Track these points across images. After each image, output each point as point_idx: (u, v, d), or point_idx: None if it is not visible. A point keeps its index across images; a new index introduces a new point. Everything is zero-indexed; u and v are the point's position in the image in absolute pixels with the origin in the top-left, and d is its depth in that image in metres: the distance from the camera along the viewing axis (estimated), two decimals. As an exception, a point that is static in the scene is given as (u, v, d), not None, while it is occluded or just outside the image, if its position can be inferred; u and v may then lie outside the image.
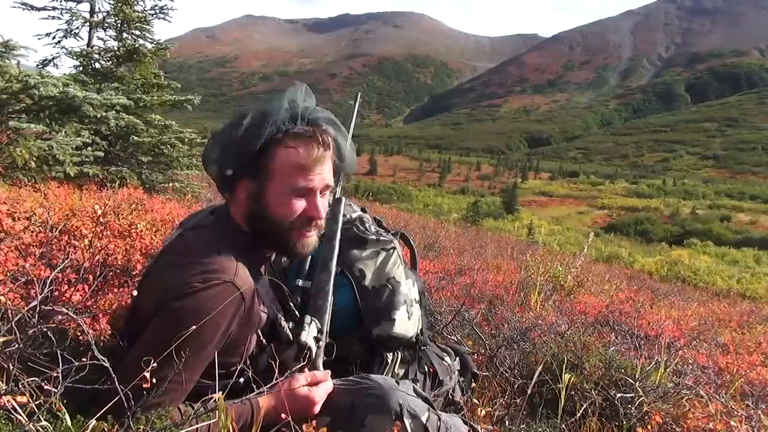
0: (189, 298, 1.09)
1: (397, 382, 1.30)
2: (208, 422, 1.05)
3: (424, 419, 1.23)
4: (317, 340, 1.33)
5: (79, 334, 1.23)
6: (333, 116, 1.34)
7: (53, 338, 1.06)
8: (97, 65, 8.38)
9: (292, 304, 1.39)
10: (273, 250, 1.33)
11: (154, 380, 0.96)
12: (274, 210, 1.23)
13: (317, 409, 1.21)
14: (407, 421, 1.19)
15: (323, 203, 1.29)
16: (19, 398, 0.89)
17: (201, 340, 1.08)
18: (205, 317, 1.08)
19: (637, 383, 2.11)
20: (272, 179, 1.23)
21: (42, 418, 0.89)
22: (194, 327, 1.06)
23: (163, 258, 1.24)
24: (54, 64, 8.71)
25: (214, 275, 1.12)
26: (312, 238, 1.30)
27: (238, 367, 1.17)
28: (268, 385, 1.19)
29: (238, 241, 1.24)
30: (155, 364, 0.97)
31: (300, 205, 1.24)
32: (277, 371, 1.16)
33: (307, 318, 1.35)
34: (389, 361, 1.77)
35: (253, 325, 1.23)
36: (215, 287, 1.11)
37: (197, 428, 1.04)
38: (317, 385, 1.23)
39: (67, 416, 0.94)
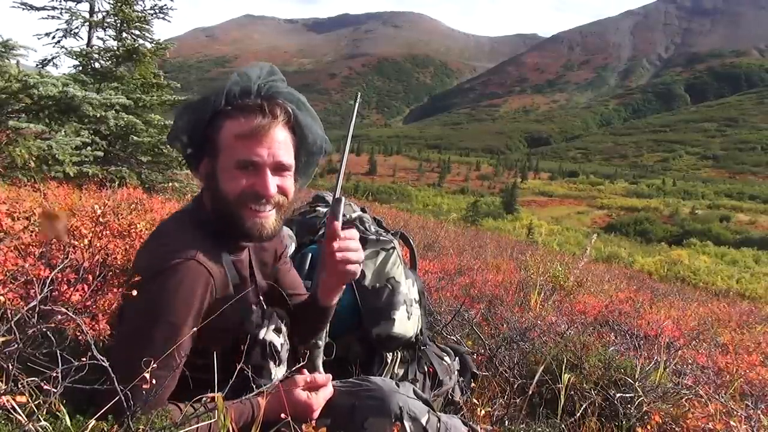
0: (153, 281, 1.08)
1: (397, 384, 1.29)
2: (209, 422, 1.04)
3: (424, 421, 1.23)
4: (278, 331, 1.28)
5: (78, 334, 1.22)
6: (299, 95, 1.28)
7: (53, 338, 1.06)
8: (97, 65, 8.37)
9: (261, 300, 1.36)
10: (232, 233, 1.24)
11: (138, 373, 0.96)
12: (222, 186, 1.19)
13: (316, 414, 1.20)
14: (407, 424, 1.19)
15: (277, 182, 1.21)
16: (18, 398, 0.89)
17: (173, 321, 1.07)
18: (171, 296, 1.07)
19: (637, 383, 2.11)
20: (220, 153, 1.20)
21: (41, 418, 0.89)
22: (163, 307, 1.05)
23: (138, 254, 1.24)
24: (53, 63, 8.71)
25: (175, 254, 1.11)
26: (269, 219, 1.22)
27: (238, 367, 1.16)
28: (268, 385, 1.18)
29: (205, 224, 1.22)
30: (134, 355, 0.97)
31: (245, 180, 1.18)
32: (251, 372, 1.14)
33: (268, 311, 1.29)
34: (389, 360, 1.78)
35: (229, 313, 1.22)
36: (178, 266, 1.10)
37: (197, 427, 1.04)
38: (317, 391, 1.22)
39: (66, 416, 0.94)
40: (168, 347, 1.04)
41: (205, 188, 1.25)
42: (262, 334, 1.24)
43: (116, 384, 0.96)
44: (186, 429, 1.01)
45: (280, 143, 1.20)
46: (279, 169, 1.21)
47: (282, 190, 1.23)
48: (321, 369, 1.54)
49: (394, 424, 1.18)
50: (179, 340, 1.08)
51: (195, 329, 1.12)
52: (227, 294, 1.19)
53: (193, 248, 1.14)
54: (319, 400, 1.21)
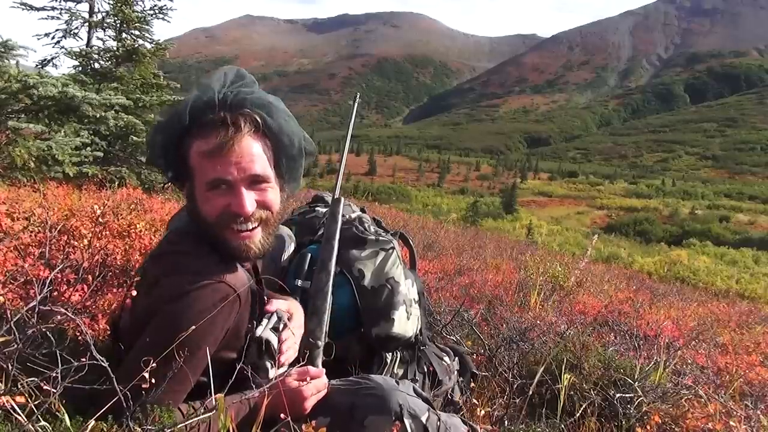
0: (181, 301, 1.08)
1: (397, 383, 1.29)
2: (208, 421, 1.05)
3: (424, 419, 1.23)
4: (275, 330, 1.25)
5: (78, 334, 1.23)
6: (269, 97, 1.19)
7: (52, 338, 1.06)
8: (97, 65, 8.39)
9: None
10: (222, 254, 1.18)
11: (153, 383, 0.96)
12: (201, 209, 1.14)
13: (309, 404, 1.20)
14: (407, 422, 1.19)
15: (255, 197, 1.15)
16: (18, 398, 0.89)
17: (197, 341, 1.06)
18: (198, 318, 1.06)
19: (636, 383, 2.11)
20: (194, 176, 1.14)
21: (41, 419, 0.89)
22: (189, 329, 1.04)
23: (154, 263, 1.21)
24: (53, 64, 8.72)
25: (204, 276, 1.10)
26: (254, 237, 1.17)
27: (238, 367, 1.17)
28: (268, 384, 1.19)
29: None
30: (154, 366, 0.96)
31: (220, 200, 1.12)
32: (248, 371, 1.14)
33: (267, 311, 1.28)
34: (388, 361, 1.78)
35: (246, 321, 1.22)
36: (206, 287, 1.09)
37: (198, 426, 1.04)
38: (310, 381, 1.22)
39: (66, 416, 0.94)
40: (187, 366, 1.04)
41: (190, 209, 1.20)
42: (259, 331, 1.21)
43: (115, 385, 0.96)
44: (185, 427, 1.02)
45: (252, 155, 1.13)
46: (254, 182, 1.14)
47: (263, 205, 1.16)
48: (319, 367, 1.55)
49: (394, 422, 1.17)
50: (199, 358, 1.08)
51: (215, 347, 1.12)
52: (246, 306, 1.19)
53: (219, 268, 1.12)
54: (310, 388, 1.20)
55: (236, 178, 1.11)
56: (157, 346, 1.04)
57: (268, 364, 1.23)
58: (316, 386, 1.22)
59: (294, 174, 1.26)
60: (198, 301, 1.08)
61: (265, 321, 1.25)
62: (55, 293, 1.34)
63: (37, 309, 1.06)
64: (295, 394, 1.18)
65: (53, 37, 8.64)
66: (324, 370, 1.28)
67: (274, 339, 1.24)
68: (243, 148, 1.11)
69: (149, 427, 0.98)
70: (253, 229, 1.16)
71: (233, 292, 1.12)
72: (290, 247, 1.84)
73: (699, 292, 10.70)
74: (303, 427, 1.03)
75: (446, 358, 1.96)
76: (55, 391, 0.91)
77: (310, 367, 1.25)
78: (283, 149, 1.20)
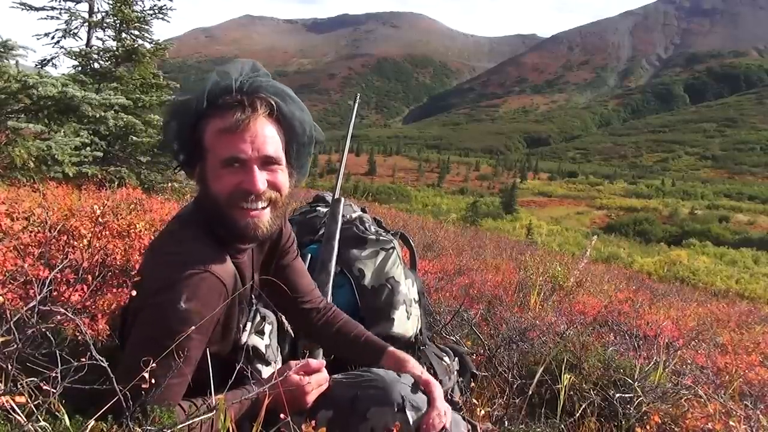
0: (167, 292, 1.07)
1: (398, 375, 1.29)
2: (209, 421, 1.05)
3: (425, 411, 1.23)
4: (260, 333, 1.27)
5: (77, 334, 1.22)
6: (284, 87, 1.23)
7: (52, 338, 1.05)
8: (96, 65, 8.39)
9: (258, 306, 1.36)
10: (228, 235, 1.20)
11: (151, 381, 0.96)
12: (212, 188, 1.16)
13: (310, 398, 1.20)
14: (409, 413, 1.18)
15: (267, 177, 1.17)
16: (17, 398, 0.89)
17: (188, 333, 1.06)
18: (186, 308, 1.06)
19: (636, 383, 2.11)
20: (207, 155, 1.17)
21: (41, 419, 0.89)
22: (177, 319, 1.04)
23: (145, 255, 1.23)
24: (53, 64, 8.72)
25: (189, 266, 1.10)
26: (263, 217, 1.18)
27: (238, 367, 1.17)
28: (270, 384, 1.19)
29: (207, 227, 1.20)
30: (149, 362, 0.96)
31: (233, 178, 1.15)
32: (240, 375, 1.14)
33: (249, 313, 1.28)
34: (388, 361, 1.77)
35: (241, 312, 1.22)
36: (192, 277, 1.09)
37: (199, 425, 1.04)
38: (311, 375, 1.22)
39: (65, 416, 0.94)
40: (181, 357, 1.04)
41: (200, 192, 1.22)
42: (243, 338, 1.23)
43: (115, 385, 0.96)
44: (185, 426, 1.02)
45: (265, 137, 1.16)
46: (267, 163, 1.17)
47: (273, 186, 1.19)
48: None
49: (396, 413, 1.17)
50: (193, 350, 1.08)
51: (207, 338, 1.12)
52: (234, 300, 1.19)
53: (206, 258, 1.12)
54: (312, 383, 1.20)
55: (250, 157, 1.14)
56: (148, 341, 1.04)
57: (260, 366, 1.24)
58: (317, 381, 1.22)
59: (302, 161, 1.29)
60: (184, 290, 1.08)
61: (249, 325, 1.25)
62: (55, 293, 1.34)
63: (36, 309, 1.06)
64: (297, 389, 1.18)
65: (53, 37, 8.64)
66: (324, 362, 1.27)
67: (260, 343, 1.25)
68: (258, 128, 1.15)
69: (149, 428, 0.98)
70: (262, 208, 1.18)
71: (219, 281, 1.12)
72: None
73: (699, 292, 10.71)
74: (303, 426, 1.02)
75: (446, 358, 1.96)
76: (54, 391, 0.91)
77: (311, 360, 1.25)
78: (295, 136, 1.24)
